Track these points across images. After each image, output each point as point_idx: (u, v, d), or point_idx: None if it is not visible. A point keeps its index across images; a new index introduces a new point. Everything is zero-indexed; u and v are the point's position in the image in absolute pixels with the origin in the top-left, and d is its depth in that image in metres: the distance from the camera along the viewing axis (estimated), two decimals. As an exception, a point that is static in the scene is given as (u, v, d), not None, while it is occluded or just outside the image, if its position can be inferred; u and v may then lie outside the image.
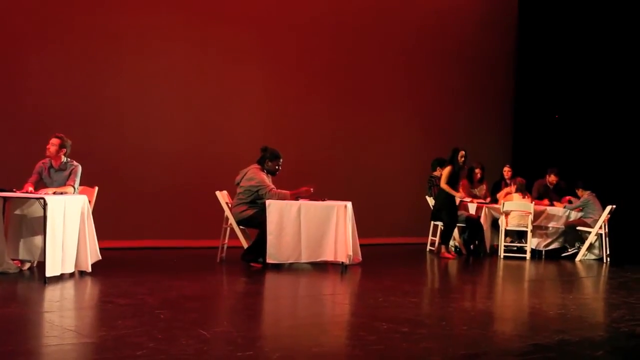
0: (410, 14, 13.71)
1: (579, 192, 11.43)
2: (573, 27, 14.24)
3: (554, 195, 12.00)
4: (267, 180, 9.02)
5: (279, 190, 8.90)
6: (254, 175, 8.99)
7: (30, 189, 7.67)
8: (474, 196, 11.92)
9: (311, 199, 9.02)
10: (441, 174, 10.85)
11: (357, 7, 13.03)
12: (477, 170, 12.02)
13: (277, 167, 9.23)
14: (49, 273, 6.97)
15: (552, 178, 12.08)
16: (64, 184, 7.88)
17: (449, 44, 14.12)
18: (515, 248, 11.41)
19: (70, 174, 7.97)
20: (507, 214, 11.13)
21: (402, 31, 13.58)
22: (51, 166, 7.98)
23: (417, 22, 13.76)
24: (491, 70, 14.78)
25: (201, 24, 11.38)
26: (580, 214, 11.35)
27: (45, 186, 7.88)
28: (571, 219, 11.40)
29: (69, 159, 8.02)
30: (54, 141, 7.94)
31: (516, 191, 11.43)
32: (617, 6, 13.69)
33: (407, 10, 13.67)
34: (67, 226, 7.31)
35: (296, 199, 8.96)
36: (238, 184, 9.11)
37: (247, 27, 11.82)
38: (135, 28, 10.87)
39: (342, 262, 8.71)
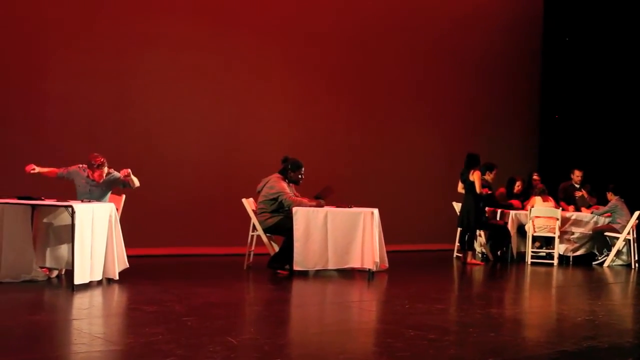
0: (432, 19, 13.67)
1: (609, 195, 11.30)
2: (600, 27, 14.09)
3: (582, 199, 11.80)
4: (288, 188, 9.03)
5: (298, 198, 8.93)
6: (274, 184, 9.01)
7: (37, 169, 7.92)
8: (508, 206, 11.64)
9: (337, 206, 9.01)
10: (484, 178, 10.65)
11: (380, 15, 13.00)
12: (518, 183, 11.84)
13: (300, 177, 9.23)
14: (77, 281, 7.01)
15: (576, 174, 11.89)
16: (103, 197, 8.10)
17: (473, 48, 14.05)
18: (544, 254, 11.28)
19: (113, 179, 8.18)
20: (534, 219, 11.04)
21: (425, 37, 13.54)
22: (94, 181, 8.06)
23: (439, 27, 13.71)
24: (516, 75, 14.67)
25: (226, 34, 11.45)
26: (608, 219, 11.23)
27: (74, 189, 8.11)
28: (599, 225, 11.27)
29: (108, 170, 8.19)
30: (103, 170, 8.04)
31: (536, 195, 11.31)
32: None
33: (429, 16, 13.63)
34: (95, 234, 7.36)
35: (318, 200, 8.95)
36: (259, 192, 9.15)
37: (271, 37, 11.87)
38: (161, 38, 10.95)
39: (369, 269, 8.69)
